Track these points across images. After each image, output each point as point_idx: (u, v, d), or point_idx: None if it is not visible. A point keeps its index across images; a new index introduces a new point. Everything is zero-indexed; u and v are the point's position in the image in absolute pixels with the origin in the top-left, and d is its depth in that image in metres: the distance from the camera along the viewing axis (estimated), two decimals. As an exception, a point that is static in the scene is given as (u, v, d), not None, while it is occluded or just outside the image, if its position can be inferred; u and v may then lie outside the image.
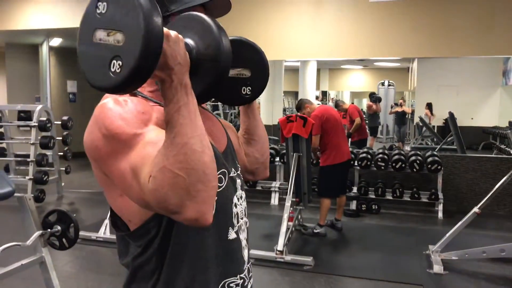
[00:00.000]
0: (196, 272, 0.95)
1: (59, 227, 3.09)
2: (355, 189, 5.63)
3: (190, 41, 0.85)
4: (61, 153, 6.22)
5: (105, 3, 0.71)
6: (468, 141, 8.18)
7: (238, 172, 1.09)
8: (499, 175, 4.68)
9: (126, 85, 0.70)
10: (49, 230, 3.05)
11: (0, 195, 2.94)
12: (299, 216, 4.64)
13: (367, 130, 7.82)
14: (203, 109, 1.10)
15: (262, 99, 8.31)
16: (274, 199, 5.90)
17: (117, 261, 3.47)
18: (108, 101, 0.88)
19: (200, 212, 0.78)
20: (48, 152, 6.06)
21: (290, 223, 4.24)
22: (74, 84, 9.63)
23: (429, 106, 9.11)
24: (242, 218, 1.06)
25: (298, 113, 4.45)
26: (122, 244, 1.00)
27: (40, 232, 3.00)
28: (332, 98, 14.64)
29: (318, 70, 13.72)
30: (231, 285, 1.00)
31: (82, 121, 6.74)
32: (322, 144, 4.43)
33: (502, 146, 7.23)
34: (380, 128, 11.25)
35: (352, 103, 10.09)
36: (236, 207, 1.03)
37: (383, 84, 12.26)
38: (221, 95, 1.18)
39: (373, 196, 5.58)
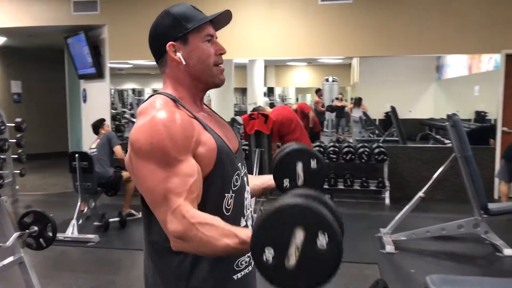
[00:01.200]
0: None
1: (36, 228, 3.16)
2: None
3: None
4: (15, 156, 6.10)
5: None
6: (407, 132, 8.79)
7: (245, 170, 1.30)
8: (437, 163, 5.19)
9: None
10: (26, 231, 3.12)
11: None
12: (261, 208, 4.91)
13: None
14: (218, 117, 1.34)
15: (213, 95, 8.50)
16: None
17: (88, 259, 3.70)
18: (164, 115, 1.08)
19: (181, 247, 1.05)
20: (2, 155, 5.93)
21: (254, 215, 4.50)
22: (19, 84, 9.34)
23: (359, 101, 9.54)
24: (249, 209, 1.28)
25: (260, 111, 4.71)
26: (147, 222, 1.20)
27: (18, 233, 3.06)
28: (279, 95, 15.02)
29: (265, 67, 14.07)
30: (242, 262, 1.22)
31: (28, 122, 6.66)
32: (284, 142, 4.72)
33: (438, 137, 7.88)
34: (325, 122, 11.81)
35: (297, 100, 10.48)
36: (246, 200, 1.26)
37: (327, 80, 12.79)
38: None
39: (327, 186, 5.97)
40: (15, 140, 5.97)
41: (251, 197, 1.36)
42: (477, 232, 4.11)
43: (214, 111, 1.34)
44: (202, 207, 1.11)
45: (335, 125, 10.77)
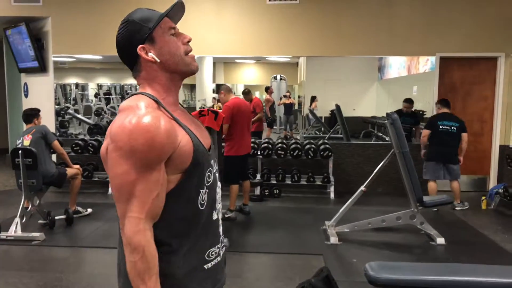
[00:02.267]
0: (196, 242, 1.25)
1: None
2: (258, 176, 6.13)
3: None
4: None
5: None
6: (351, 129, 9.14)
7: (217, 166, 1.38)
8: (379, 159, 5.47)
9: None
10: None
11: None
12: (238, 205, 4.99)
13: (265, 122, 8.37)
14: (192, 117, 1.40)
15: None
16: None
17: (33, 257, 3.67)
18: (150, 120, 1.12)
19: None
20: None
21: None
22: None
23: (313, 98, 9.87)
24: (219, 203, 1.37)
25: (210, 108, 4.77)
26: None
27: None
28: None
29: (214, 64, 14.08)
30: (213, 253, 1.30)
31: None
32: (228, 134, 4.83)
33: (379, 134, 8.27)
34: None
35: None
36: (218, 194, 1.35)
37: (275, 78, 13.01)
38: None
39: (275, 182, 6.15)
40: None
41: None
42: (413, 223, 4.40)
43: (192, 115, 1.40)
44: (179, 203, 1.20)
45: (284, 123, 11.01)
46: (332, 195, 6.08)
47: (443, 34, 6.27)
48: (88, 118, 8.91)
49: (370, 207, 5.40)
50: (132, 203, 1.12)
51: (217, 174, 1.36)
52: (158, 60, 1.24)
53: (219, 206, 1.36)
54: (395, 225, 4.45)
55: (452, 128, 5.41)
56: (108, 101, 15.90)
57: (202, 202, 1.25)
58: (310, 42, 6.44)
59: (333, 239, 4.27)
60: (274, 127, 12.29)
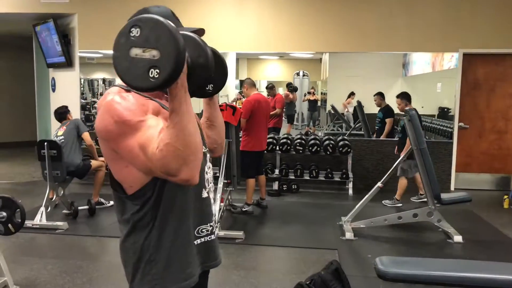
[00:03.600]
0: (181, 220, 1.32)
1: (4, 213, 3.22)
2: (277, 171, 6.18)
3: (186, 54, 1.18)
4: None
5: (138, 29, 1.04)
6: (374, 127, 9.12)
7: (207, 148, 1.45)
8: (398, 156, 5.45)
9: (162, 87, 1.04)
10: (-5, 216, 3.18)
11: None
12: (229, 197, 5.06)
13: (284, 118, 8.39)
14: None
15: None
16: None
17: (57, 245, 3.81)
18: (115, 97, 1.21)
19: (191, 175, 1.16)
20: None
21: (222, 204, 4.65)
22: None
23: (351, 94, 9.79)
24: (211, 183, 1.44)
25: (228, 102, 4.84)
26: (120, 204, 1.33)
27: (-15, 218, 3.12)
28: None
29: (238, 60, 14.16)
30: (203, 230, 1.38)
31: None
32: (246, 129, 4.89)
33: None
34: (296, 115, 12.03)
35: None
36: (207, 174, 1.41)
37: (298, 74, 12.99)
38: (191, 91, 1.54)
39: (293, 177, 6.18)
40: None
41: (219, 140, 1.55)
42: (430, 220, 4.37)
43: None
44: (165, 181, 1.24)
45: (307, 119, 11.01)
46: (350, 192, 6.08)
47: (466, 30, 6.17)
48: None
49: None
50: (148, 148, 1.13)
51: (207, 155, 1.42)
52: None
53: (210, 185, 1.43)
54: (412, 222, 4.43)
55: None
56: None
57: None
58: (332, 38, 6.43)
59: (349, 235, 4.29)
60: (295, 123, 12.31)
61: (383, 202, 5.52)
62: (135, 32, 1.04)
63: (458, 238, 4.22)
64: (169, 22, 1.06)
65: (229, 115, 4.58)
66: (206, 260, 1.42)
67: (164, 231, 1.29)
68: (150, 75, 1.03)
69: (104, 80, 17.30)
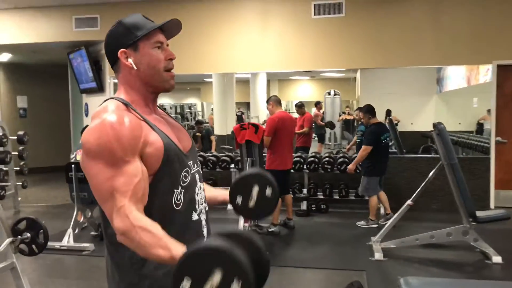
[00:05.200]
0: None
1: (28, 234, 3.27)
2: (305, 191, 6.05)
3: None
4: (17, 168, 6.25)
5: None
6: (409, 144, 8.82)
7: (198, 168, 1.39)
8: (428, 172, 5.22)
9: None
10: (19, 237, 3.23)
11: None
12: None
13: (315, 137, 8.28)
14: (172, 119, 1.42)
15: (215, 110, 8.64)
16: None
17: (82, 267, 3.80)
18: (113, 118, 1.16)
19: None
20: (4, 167, 6.08)
21: (246, 224, 4.58)
22: (24, 99, 9.57)
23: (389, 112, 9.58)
24: (202, 204, 1.36)
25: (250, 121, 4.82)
26: (103, 218, 1.26)
27: (10, 239, 3.16)
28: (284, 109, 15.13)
29: (268, 81, 14.23)
30: None
31: (33, 136, 6.81)
32: (270, 148, 4.82)
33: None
34: (327, 135, 11.90)
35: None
36: (197, 195, 1.34)
37: (329, 93, 12.90)
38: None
39: (322, 197, 6.03)
40: (17, 153, 6.12)
41: (208, 206, 1.44)
42: (466, 239, 4.13)
43: (168, 114, 1.43)
44: (152, 202, 1.20)
45: (341, 138, 10.87)
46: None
47: (498, 40, 5.92)
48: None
49: (421, 223, 5.14)
50: (115, 198, 1.12)
51: (197, 175, 1.35)
52: (135, 68, 1.27)
53: (201, 207, 1.35)
54: (445, 241, 4.20)
55: (387, 139, 5.32)
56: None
57: (178, 202, 1.25)
58: (357, 54, 6.33)
59: (378, 255, 4.11)
60: (328, 142, 12.16)
61: (357, 223, 5.32)
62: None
63: (497, 259, 3.96)
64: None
65: (252, 133, 4.55)
66: None
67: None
68: None
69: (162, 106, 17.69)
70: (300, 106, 7.56)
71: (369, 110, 5.42)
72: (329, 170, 5.98)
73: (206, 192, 1.45)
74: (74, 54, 7.05)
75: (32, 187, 7.41)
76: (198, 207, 1.33)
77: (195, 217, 1.31)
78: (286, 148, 4.89)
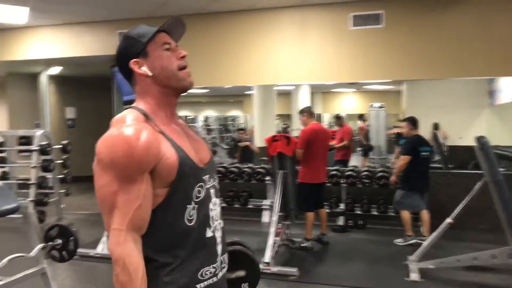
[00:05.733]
0: (186, 259, 1.21)
1: (59, 241, 3.34)
2: (342, 206, 5.88)
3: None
4: (61, 176, 6.47)
5: None
6: (458, 159, 8.42)
7: (215, 183, 1.35)
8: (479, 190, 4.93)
9: None
10: (50, 243, 3.30)
11: (7, 210, 3.20)
12: (287, 231, 4.87)
13: (360, 150, 8.05)
14: (192, 131, 1.40)
15: (256, 121, 8.63)
16: (265, 217, 6.12)
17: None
18: (130, 131, 1.15)
19: None
20: (48, 175, 6.30)
21: (278, 238, 4.49)
22: (73, 110, 9.97)
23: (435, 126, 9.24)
24: (216, 220, 1.31)
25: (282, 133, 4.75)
26: None
27: (42, 244, 3.24)
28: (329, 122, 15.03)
29: (312, 94, 14.12)
30: (207, 273, 1.25)
31: (81, 146, 7.05)
32: (303, 160, 4.72)
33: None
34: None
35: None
36: (211, 211, 1.29)
37: (374, 106, 12.60)
38: None
39: (359, 212, 5.83)
40: (61, 161, 6.34)
41: None
42: (512, 263, 3.84)
43: (188, 124, 1.41)
44: (164, 218, 1.18)
45: (387, 152, 10.57)
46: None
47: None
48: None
49: (463, 243, 4.87)
50: (114, 215, 1.13)
51: (212, 190, 1.31)
52: (150, 74, 1.26)
53: (216, 223, 1.30)
54: (489, 264, 3.92)
55: (427, 153, 5.10)
56: (209, 132, 16.79)
57: (190, 218, 1.22)
58: (399, 66, 6.10)
59: (414, 276, 3.89)
60: (372, 156, 11.84)
61: (394, 241, 5.10)
62: None
63: (546, 285, 3.65)
64: None
65: (284, 145, 4.48)
66: None
67: (163, 270, 1.19)
68: None
69: (185, 118, 18.14)
70: (339, 118, 7.43)
71: (410, 120, 5.27)
72: (367, 184, 5.77)
73: None
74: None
75: (78, 195, 7.67)
76: (213, 223, 1.29)
77: (209, 233, 1.27)
78: (319, 161, 4.77)
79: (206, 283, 1.25)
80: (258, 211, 6.22)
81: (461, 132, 9.37)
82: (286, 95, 11.86)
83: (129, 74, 1.31)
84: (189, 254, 1.22)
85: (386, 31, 6.10)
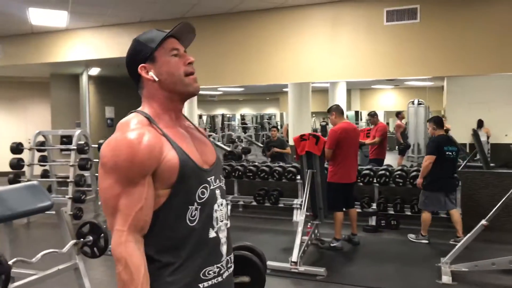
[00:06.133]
0: (188, 259, 1.23)
1: (91, 237, 3.45)
2: (374, 205, 5.77)
3: None
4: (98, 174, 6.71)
5: None
6: (503, 158, 8.08)
7: (221, 184, 1.36)
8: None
9: None
10: (82, 239, 3.42)
11: (41, 208, 3.34)
12: (316, 231, 4.84)
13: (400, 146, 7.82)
14: (201, 135, 1.42)
15: (290, 119, 8.59)
16: (296, 216, 6.11)
17: None
18: (133, 135, 1.18)
19: None
20: (86, 173, 6.55)
21: (306, 237, 4.47)
22: (112, 110, 10.28)
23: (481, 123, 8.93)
24: (222, 221, 1.33)
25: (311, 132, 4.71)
26: None
27: (74, 241, 3.37)
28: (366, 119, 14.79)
29: (349, 91, 13.90)
30: (210, 272, 1.27)
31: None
32: (332, 159, 4.66)
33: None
34: (412, 147, 11.31)
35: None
36: (216, 212, 1.31)
37: (413, 102, 12.28)
38: None
39: (392, 212, 5.71)
40: (97, 160, 6.56)
41: None
42: (553, 267, 3.66)
43: (195, 126, 1.43)
44: (165, 219, 1.21)
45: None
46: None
47: None
48: (228, 146, 9.53)
49: (500, 245, 4.67)
50: (117, 217, 1.17)
51: (217, 191, 1.33)
52: (157, 79, 1.29)
53: (220, 224, 1.32)
54: (527, 268, 3.75)
55: (453, 153, 4.94)
56: (245, 130, 16.84)
57: (192, 219, 1.24)
58: (436, 62, 5.88)
59: (446, 278, 3.78)
60: (411, 154, 11.55)
61: (408, 236, 5.12)
62: None
63: None
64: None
65: (312, 144, 4.44)
66: None
67: (165, 269, 1.22)
68: None
69: (223, 116, 18.32)
70: (373, 116, 7.28)
71: (435, 120, 5.17)
72: (400, 184, 5.64)
73: None
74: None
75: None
76: (217, 224, 1.31)
77: (212, 234, 1.29)
78: (349, 160, 4.70)
79: (210, 282, 1.27)
80: (289, 210, 6.21)
81: (506, 129, 8.99)
82: (322, 92, 11.76)
83: (137, 78, 1.33)
84: (191, 254, 1.24)
85: (422, 25, 5.93)
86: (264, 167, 6.29)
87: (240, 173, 6.37)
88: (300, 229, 4.22)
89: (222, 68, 6.87)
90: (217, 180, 1.34)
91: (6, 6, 6.09)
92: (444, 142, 4.92)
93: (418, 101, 12.42)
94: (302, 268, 4.01)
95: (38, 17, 6.54)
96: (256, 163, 6.69)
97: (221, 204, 1.34)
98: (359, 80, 8.01)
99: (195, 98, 9.17)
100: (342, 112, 4.90)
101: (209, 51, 6.86)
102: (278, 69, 6.61)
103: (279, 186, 6.42)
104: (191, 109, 9.16)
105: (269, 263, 4.08)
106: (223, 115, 17.57)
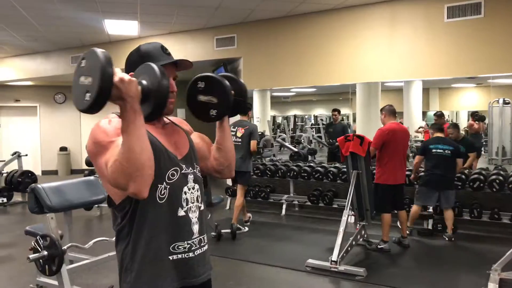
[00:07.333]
0: (153, 235, 1.43)
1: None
2: (430, 209, 5.57)
3: (144, 82, 1.31)
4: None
5: (84, 60, 1.23)
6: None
7: (195, 170, 1.55)
8: None
9: (92, 108, 1.19)
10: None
11: (95, 201, 3.74)
12: (363, 232, 4.81)
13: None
14: (173, 125, 1.61)
15: (358, 119, 8.48)
16: (350, 217, 6.05)
17: None
18: (102, 121, 1.41)
19: (138, 190, 1.27)
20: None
21: (350, 238, 4.47)
22: (183, 112, 10.84)
23: None
24: (193, 203, 1.51)
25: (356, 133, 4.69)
26: (113, 215, 1.51)
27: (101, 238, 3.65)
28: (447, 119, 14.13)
29: (427, 90, 13.30)
30: (179, 247, 1.46)
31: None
32: (379, 160, 4.61)
33: None
34: (494, 148, 10.58)
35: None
36: (185, 194, 1.49)
37: (498, 101, 11.48)
38: (197, 115, 1.63)
39: (451, 216, 5.46)
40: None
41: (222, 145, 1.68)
42: None
43: (173, 122, 1.62)
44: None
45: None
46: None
47: None
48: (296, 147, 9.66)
49: None
50: (108, 164, 1.28)
51: (190, 176, 1.51)
52: None
53: (191, 205, 1.50)
54: None
55: (446, 152, 5.00)
56: (317, 131, 16.75)
57: (161, 196, 1.43)
58: (503, 59, 5.57)
59: (492, 286, 3.59)
60: (494, 157, 10.81)
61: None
62: (83, 63, 1.23)
63: None
64: (105, 52, 1.21)
65: (357, 145, 4.44)
66: (186, 276, 1.49)
67: (137, 244, 1.43)
68: (85, 98, 1.19)
69: (295, 116, 18.39)
70: (439, 116, 6.99)
71: (440, 129, 5.45)
72: (459, 187, 5.39)
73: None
74: (216, 71, 7.79)
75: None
76: (187, 204, 1.49)
77: (181, 213, 1.47)
78: (397, 161, 4.61)
79: (179, 256, 1.46)
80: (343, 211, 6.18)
81: None
82: (396, 91, 11.42)
83: None
84: (161, 229, 1.43)
85: (486, 21, 5.63)
86: (318, 168, 6.34)
87: (295, 173, 6.46)
88: (341, 229, 4.25)
89: (280, 70, 7.05)
90: (190, 167, 1.52)
91: (86, 20, 6.79)
92: (432, 142, 5.15)
93: (504, 100, 11.56)
94: (342, 268, 4.04)
95: (113, 27, 7.18)
96: (311, 164, 6.74)
97: (193, 188, 1.52)
98: (421, 79, 7.71)
99: (268, 100, 9.48)
100: (393, 113, 4.82)
101: (263, 56, 7.10)
102: (343, 69, 6.67)
103: (334, 187, 6.42)
104: (264, 111, 9.43)
105: (310, 261, 4.19)
106: (295, 116, 17.60)
